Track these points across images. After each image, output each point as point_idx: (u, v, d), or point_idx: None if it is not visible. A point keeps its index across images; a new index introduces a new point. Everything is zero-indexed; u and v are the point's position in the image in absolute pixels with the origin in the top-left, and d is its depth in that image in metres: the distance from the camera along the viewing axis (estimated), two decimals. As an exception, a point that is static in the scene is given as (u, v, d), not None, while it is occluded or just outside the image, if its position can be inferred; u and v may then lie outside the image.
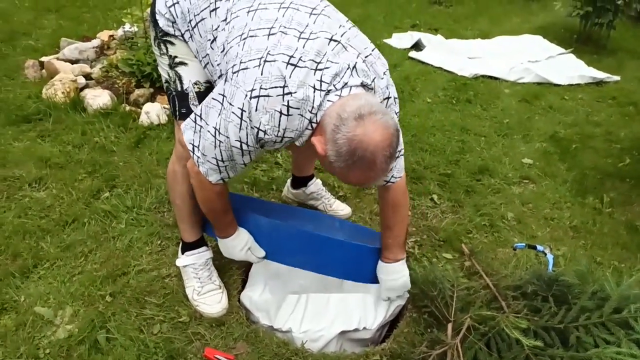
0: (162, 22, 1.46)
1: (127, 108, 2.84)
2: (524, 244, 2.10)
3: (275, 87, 1.20)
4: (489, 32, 5.33)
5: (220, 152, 1.32)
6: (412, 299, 1.78)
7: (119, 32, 3.62)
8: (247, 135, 1.26)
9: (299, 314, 1.62)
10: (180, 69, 1.50)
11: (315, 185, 2.18)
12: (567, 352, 1.34)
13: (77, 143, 2.54)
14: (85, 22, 4.29)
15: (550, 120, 3.41)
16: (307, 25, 1.26)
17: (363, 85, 1.26)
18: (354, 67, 1.24)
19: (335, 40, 1.25)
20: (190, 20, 1.42)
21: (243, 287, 1.80)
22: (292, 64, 1.20)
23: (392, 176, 1.50)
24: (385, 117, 1.17)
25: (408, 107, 3.35)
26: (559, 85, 4.03)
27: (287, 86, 1.19)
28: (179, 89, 1.51)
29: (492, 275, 1.79)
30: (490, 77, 4.06)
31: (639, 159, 2.97)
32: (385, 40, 4.76)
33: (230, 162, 1.35)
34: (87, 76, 3.11)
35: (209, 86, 1.50)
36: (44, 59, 3.28)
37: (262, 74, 1.20)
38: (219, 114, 1.28)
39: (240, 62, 1.24)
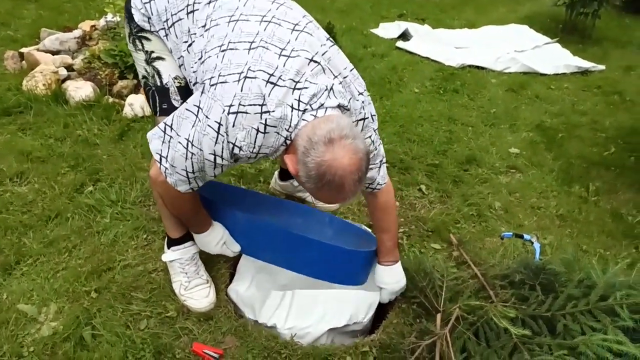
0: (137, 17, 1.42)
1: (111, 100, 2.79)
2: (511, 233, 2.12)
3: (254, 104, 1.18)
4: (476, 21, 5.33)
5: (192, 164, 1.29)
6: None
7: (101, 22, 3.54)
8: (222, 149, 1.23)
9: (284, 310, 1.60)
10: (157, 64, 1.46)
11: (303, 177, 2.16)
12: (555, 340, 1.35)
13: (59, 136, 2.49)
14: (66, 12, 4.20)
15: (537, 110, 3.43)
16: (288, 42, 1.25)
17: (340, 106, 1.26)
18: (331, 88, 1.24)
19: (315, 61, 1.25)
20: (166, 20, 1.39)
21: (231, 281, 1.79)
22: (271, 83, 1.19)
23: (377, 183, 1.52)
24: (355, 142, 1.17)
25: (396, 98, 3.34)
26: (545, 75, 4.05)
27: (265, 104, 1.18)
28: (159, 83, 1.47)
29: (480, 264, 1.80)
30: (477, 67, 4.06)
31: (623, 147, 3.00)
32: (373, 30, 4.73)
33: (200, 172, 1.32)
34: (69, 67, 3.04)
35: None
36: (23, 50, 3.20)
37: (241, 90, 1.18)
38: (193, 126, 1.25)
39: (219, 75, 1.21)
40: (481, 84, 3.75)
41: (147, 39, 1.44)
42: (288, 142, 1.25)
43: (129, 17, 1.44)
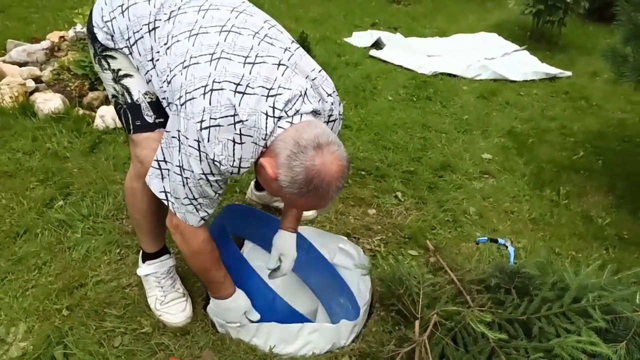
0: (100, 36, 1.40)
1: (81, 112, 2.73)
2: (486, 238, 2.15)
3: (225, 116, 1.17)
4: (447, 30, 5.43)
5: (190, 189, 1.27)
6: (380, 298, 1.79)
7: (70, 33, 3.48)
8: (208, 166, 1.22)
9: (261, 339, 1.56)
10: (126, 82, 1.44)
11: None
12: (531, 343, 1.37)
13: (28, 150, 2.42)
14: (34, 23, 4.11)
15: (507, 116, 3.50)
16: (251, 49, 1.23)
17: (314, 111, 1.26)
18: (305, 93, 1.24)
19: (283, 65, 1.24)
20: (129, 37, 1.37)
21: (208, 294, 1.76)
22: (239, 92, 1.18)
23: None
24: (340, 149, 1.19)
25: (370, 106, 3.36)
26: (514, 82, 4.14)
27: (237, 114, 1.17)
28: (129, 101, 1.44)
29: (457, 270, 1.82)
30: (449, 75, 4.13)
31: (591, 151, 3.08)
32: (346, 39, 4.77)
33: (202, 198, 1.29)
34: (37, 79, 2.98)
35: None
36: (-12, 62, 3.12)
37: (210, 104, 1.17)
38: (180, 151, 1.23)
39: (186, 93, 1.20)
40: (453, 91, 3.81)
41: (113, 57, 1.42)
42: (264, 148, 1.23)
43: (92, 38, 1.42)
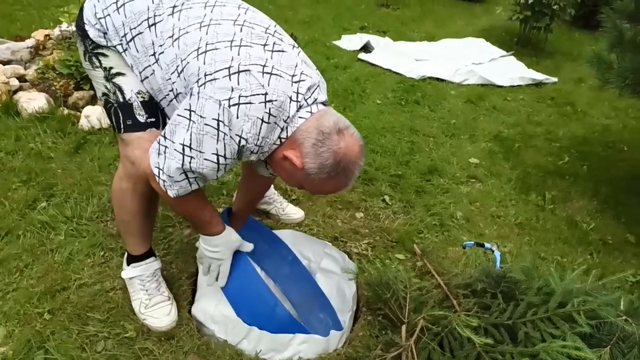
0: (92, 33, 1.38)
1: (66, 112, 2.69)
2: (472, 242, 2.16)
3: (257, 94, 1.20)
4: (435, 34, 5.47)
5: (190, 167, 1.27)
6: (366, 302, 1.78)
7: (56, 31, 3.43)
8: (225, 146, 1.23)
9: (251, 344, 1.54)
10: (118, 80, 1.42)
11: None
12: (516, 348, 1.38)
13: (10, 149, 2.38)
14: (19, 21, 4.05)
15: (494, 121, 3.53)
16: (267, 40, 1.29)
17: (324, 102, 1.34)
18: (319, 84, 1.32)
19: (298, 57, 1.32)
20: (125, 34, 1.35)
21: (193, 298, 1.74)
22: (267, 73, 1.22)
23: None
24: (355, 131, 1.28)
25: (359, 109, 3.37)
26: (501, 87, 4.18)
27: (267, 94, 1.21)
28: (121, 100, 1.42)
29: (443, 274, 1.82)
30: (437, 79, 4.16)
31: (577, 156, 3.12)
32: (335, 42, 4.78)
33: (200, 175, 1.30)
34: (21, 78, 2.92)
35: (152, 95, 1.43)
36: (-29, 59, 3.06)
37: (238, 84, 1.20)
38: (188, 129, 1.23)
39: (206, 75, 1.22)
40: (441, 95, 3.84)
41: (104, 55, 1.40)
42: (282, 139, 1.28)
43: (83, 35, 1.40)
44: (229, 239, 1.49)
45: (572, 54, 5.25)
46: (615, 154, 3.22)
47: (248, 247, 1.54)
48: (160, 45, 1.31)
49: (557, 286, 1.48)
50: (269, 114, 1.22)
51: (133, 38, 1.34)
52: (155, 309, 1.62)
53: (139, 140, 1.42)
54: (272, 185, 2.17)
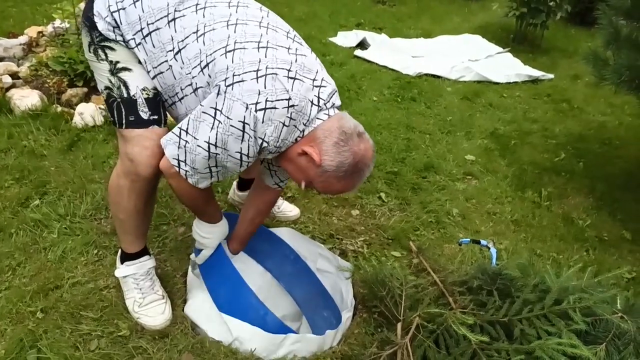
0: (101, 26, 1.36)
1: (59, 109, 2.67)
2: (468, 239, 2.15)
3: (281, 99, 1.24)
4: (431, 31, 5.45)
5: (216, 162, 1.31)
6: (362, 299, 1.77)
7: (49, 28, 3.40)
8: (248, 147, 1.27)
9: (244, 344, 1.53)
10: (124, 75, 1.40)
11: (262, 187, 2.13)
12: (512, 345, 1.37)
13: (3, 147, 2.36)
14: (11, 17, 4.02)
15: (490, 118, 3.53)
16: (289, 45, 1.33)
17: (339, 107, 1.39)
18: (336, 90, 1.38)
19: (317, 62, 1.37)
20: (141, 29, 1.34)
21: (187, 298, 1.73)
22: (291, 77, 1.26)
23: (280, 180, 1.62)
24: (370, 138, 1.35)
25: (355, 106, 3.36)
26: (497, 83, 4.18)
27: (290, 98, 1.25)
28: (125, 95, 1.40)
29: (439, 271, 1.81)
30: (433, 76, 4.14)
31: (573, 153, 3.12)
32: (331, 39, 4.76)
33: (224, 169, 1.35)
34: (14, 75, 2.90)
35: (157, 92, 1.42)
36: (-37, 56, 3.03)
37: (265, 87, 1.22)
38: (213, 128, 1.25)
39: (234, 75, 1.23)
40: (437, 92, 3.83)
41: (112, 48, 1.38)
42: (299, 138, 1.32)
43: (90, 26, 1.37)
44: (221, 230, 1.58)
45: (568, 51, 5.24)
46: (611, 151, 3.22)
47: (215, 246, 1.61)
48: (181, 41, 1.31)
49: (553, 283, 1.48)
50: (290, 117, 1.26)
51: (150, 33, 1.34)
52: (150, 308, 1.61)
53: (140, 138, 1.40)
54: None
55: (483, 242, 2.13)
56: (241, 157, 1.29)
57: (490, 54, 4.75)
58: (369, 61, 4.29)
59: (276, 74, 1.24)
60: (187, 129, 1.30)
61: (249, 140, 1.25)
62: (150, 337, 1.56)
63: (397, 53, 4.50)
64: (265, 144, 1.27)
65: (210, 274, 1.61)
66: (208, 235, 1.56)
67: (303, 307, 1.80)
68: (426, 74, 4.14)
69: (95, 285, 1.71)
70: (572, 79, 4.47)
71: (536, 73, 4.40)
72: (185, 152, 1.31)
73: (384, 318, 1.67)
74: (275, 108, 1.23)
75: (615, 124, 3.63)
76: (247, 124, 1.23)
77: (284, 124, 1.26)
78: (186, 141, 1.30)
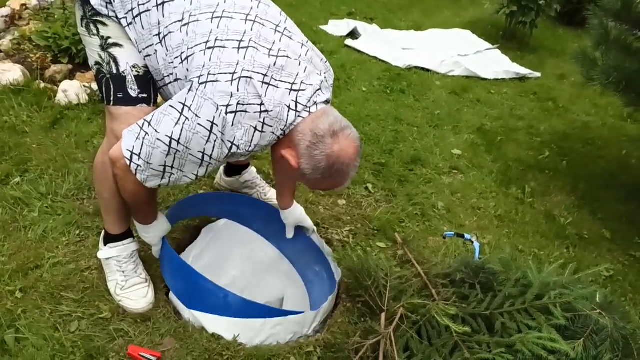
0: (94, 1, 1.33)
1: (42, 85, 2.60)
2: (453, 233, 2.18)
3: (252, 104, 1.22)
4: (422, 23, 5.44)
5: (174, 159, 1.26)
6: (347, 289, 1.78)
7: (33, 1, 3.30)
8: (213, 148, 1.24)
9: (225, 332, 1.53)
10: (114, 51, 1.37)
11: (250, 173, 2.12)
12: (493, 338, 1.39)
13: (-17, 122, 2.29)
14: (-6, -12, 3.88)
15: (478, 113, 3.55)
16: (274, 43, 1.28)
17: (327, 101, 1.34)
18: (320, 87, 1.32)
19: (304, 61, 1.31)
20: (132, 9, 1.31)
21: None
22: (266, 83, 1.23)
23: None
24: (352, 132, 1.30)
25: (344, 96, 3.34)
26: (485, 80, 4.19)
27: (263, 104, 1.23)
28: (115, 71, 1.38)
29: (423, 263, 1.83)
30: (423, 69, 4.14)
31: (557, 152, 3.16)
32: (322, 27, 4.72)
33: (178, 171, 1.29)
34: (-5, 48, 2.81)
35: (148, 71, 1.39)
36: (-58, 26, 2.93)
37: (237, 90, 1.20)
38: (177, 123, 1.22)
39: (209, 74, 1.21)
40: (426, 85, 3.83)
41: (104, 24, 1.35)
42: (280, 137, 1.30)
43: (84, 0, 1.34)
44: (158, 228, 1.57)
45: (556, 50, 5.29)
46: (594, 151, 3.27)
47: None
48: (166, 27, 1.29)
49: (535, 279, 1.50)
50: (263, 123, 1.24)
51: (140, 14, 1.31)
52: (132, 291, 1.59)
53: (127, 116, 1.38)
54: (255, 170, 2.15)
55: (467, 236, 2.15)
56: (203, 157, 1.26)
57: (480, 50, 4.76)
58: (359, 51, 4.27)
59: (251, 77, 1.21)
60: (150, 120, 1.27)
61: (215, 141, 1.23)
62: (132, 320, 1.54)
63: (387, 44, 4.48)
64: (235, 148, 1.26)
65: (165, 271, 1.63)
66: (145, 233, 1.57)
67: (295, 264, 1.86)
68: (416, 67, 4.13)
69: (76, 266, 1.68)
70: (558, 79, 4.51)
71: (524, 71, 4.43)
72: (143, 145, 1.26)
73: (367, 308, 1.68)
74: (245, 112, 1.22)
75: (599, 125, 3.68)
76: (215, 124, 1.21)
77: (255, 129, 1.24)
78: (146, 133, 1.26)
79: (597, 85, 2.52)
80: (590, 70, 2.53)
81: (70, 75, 2.73)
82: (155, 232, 1.57)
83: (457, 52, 4.53)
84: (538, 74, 4.47)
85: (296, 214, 1.83)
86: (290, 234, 1.85)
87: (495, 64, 4.48)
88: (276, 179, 1.83)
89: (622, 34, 2.52)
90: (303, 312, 1.56)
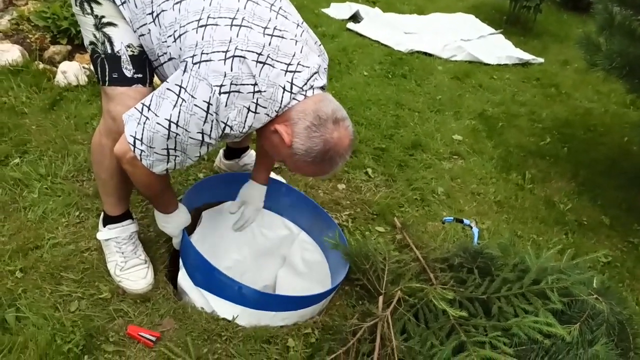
0: None
1: (41, 66, 2.58)
2: (452, 218, 2.18)
3: (246, 84, 1.19)
4: (425, 7, 5.39)
5: (175, 143, 1.25)
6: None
7: (32, -20, 3.25)
8: (211, 128, 1.23)
9: (229, 315, 1.55)
10: (109, 30, 1.36)
11: (249, 157, 2.11)
12: (490, 322, 1.41)
13: (-19, 103, 2.28)
14: (-8, -33, 3.82)
15: (480, 99, 3.53)
16: (269, 20, 1.25)
17: (323, 87, 1.32)
18: (318, 70, 1.30)
19: (300, 41, 1.28)
20: None
21: (170, 262, 1.72)
22: (260, 62, 1.20)
23: None
24: (350, 125, 1.29)
25: (345, 80, 3.32)
26: (488, 65, 4.16)
27: (257, 84, 1.20)
28: (109, 51, 1.36)
29: (422, 248, 1.84)
30: (425, 54, 4.11)
31: (558, 138, 3.15)
32: (324, 10, 4.67)
33: (182, 153, 1.29)
34: (-6, 28, 2.78)
35: (143, 51, 1.38)
36: (-60, 5, 2.90)
37: (231, 70, 1.18)
38: (175, 106, 1.21)
39: (202, 53, 1.19)
40: (428, 70, 3.80)
41: (98, 2, 1.34)
42: (274, 116, 1.27)
43: None
44: (179, 219, 1.57)
45: (560, 36, 5.24)
46: (596, 138, 3.26)
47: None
48: (159, 5, 1.27)
49: (532, 264, 1.51)
50: (257, 104, 1.22)
51: None
52: (131, 272, 1.60)
53: (123, 96, 1.37)
54: (254, 153, 2.14)
55: (466, 221, 2.16)
56: (203, 137, 1.25)
57: (483, 35, 4.72)
58: (361, 35, 4.23)
59: (245, 57, 1.18)
60: (149, 104, 1.26)
61: (212, 122, 1.22)
62: (132, 301, 1.55)
63: (389, 28, 4.44)
64: (228, 129, 1.24)
65: (184, 260, 1.62)
66: (165, 224, 1.57)
67: (310, 233, 1.88)
68: (418, 52, 4.10)
69: (76, 247, 1.69)
70: (561, 65, 4.48)
71: (527, 56, 4.40)
72: (144, 130, 1.25)
73: (365, 291, 1.69)
74: (239, 92, 1.19)
75: (601, 111, 3.66)
76: (210, 104, 1.19)
77: (249, 110, 1.22)
78: (147, 117, 1.25)
79: (600, 71, 2.50)
80: (593, 56, 2.51)
81: (70, 57, 2.71)
82: (175, 222, 1.57)
83: (460, 36, 4.49)
84: (541, 60, 4.44)
85: (262, 192, 1.78)
86: (235, 207, 1.79)
87: (498, 49, 4.45)
88: (257, 151, 1.77)
89: (627, 19, 2.49)
90: (313, 296, 1.57)
